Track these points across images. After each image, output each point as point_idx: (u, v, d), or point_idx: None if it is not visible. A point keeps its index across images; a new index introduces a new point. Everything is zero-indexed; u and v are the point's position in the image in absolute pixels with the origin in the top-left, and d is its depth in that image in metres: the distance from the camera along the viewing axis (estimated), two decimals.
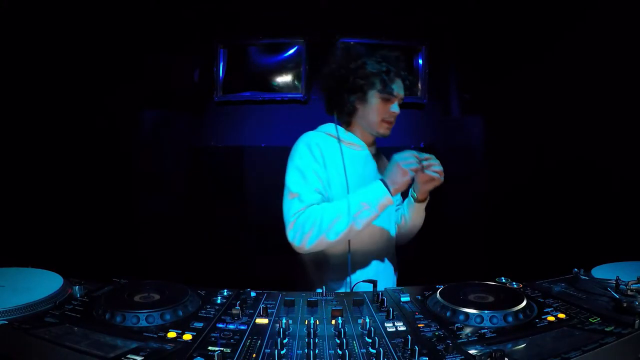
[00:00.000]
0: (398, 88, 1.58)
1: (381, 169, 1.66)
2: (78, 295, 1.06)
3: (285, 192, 1.50)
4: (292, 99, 2.91)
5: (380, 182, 1.41)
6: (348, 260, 1.50)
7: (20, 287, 1.05)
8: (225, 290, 1.17)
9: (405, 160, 1.39)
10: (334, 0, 2.75)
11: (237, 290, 1.18)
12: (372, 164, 1.67)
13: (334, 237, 1.39)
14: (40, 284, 1.08)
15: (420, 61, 2.90)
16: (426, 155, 1.43)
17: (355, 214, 1.38)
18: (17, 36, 2.16)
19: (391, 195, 1.39)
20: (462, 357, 0.81)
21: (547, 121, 2.42)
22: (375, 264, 1.59)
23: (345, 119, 1.65)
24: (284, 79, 2.91)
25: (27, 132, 2.26)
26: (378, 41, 2.87)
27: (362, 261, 1.56)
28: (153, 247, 2.66)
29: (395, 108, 1.58)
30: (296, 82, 2.89)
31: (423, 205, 1.64)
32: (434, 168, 1.42)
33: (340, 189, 1.52)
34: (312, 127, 3.01)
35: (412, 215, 1.67)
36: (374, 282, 1.22)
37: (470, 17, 2.71)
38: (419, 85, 2.90)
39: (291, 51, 2.89)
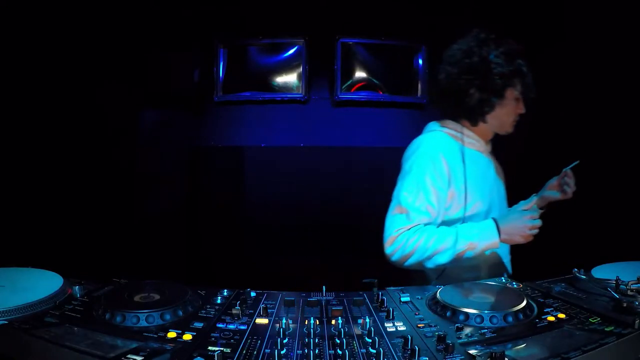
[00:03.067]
0: (532, 86, 1.49)
1: (497, 168, 1.65)
2: (78, 295, 1.06)
3: (393, 203, 1.44)
4: (292, 99, 2.90)
5: (493, 224, 1.35)
6: (442, 270, 1.47)
7: (20, 287, 1.05)
8: (225, 290, 1.17)
9: (531, 231, 1.33)
10: (334, 0, 2.75)
11: (237, 290, 1.18)
12: (491, 166, 1.62)
13: (432, 265, 1.37)
14: (40, 284, 1.08)
15: (420, 61, 2.89)
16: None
17: (459, 252, 1.35)
18: (16, 36, 2.16)
19: (498, 243, 1.35)
20: (462, 357, 0.81)
21: (547, 121, 2.42)
22: (479, 270, 1.52)
23: (474, 117, 1.51)
24: (284, 79, 2.91)
25: (27, 132, 2.26)
26: (378, 41, 2.87)
27: (468, 267, 1.49)
28: (153, 247, 2.66)
29: (523, 108, 1.51)
30: (296, 82, 2.89)
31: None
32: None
33: (461, 197, 1.46)
34: (312, 127, 2.99)
35: None
36: (373, 282, 1.22)
37: (470, 17, 2.71)
38: (419, 85, 2.90)
39: (291, 51, 2.88)
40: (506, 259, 1.63)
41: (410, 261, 1.37)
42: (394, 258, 1.39)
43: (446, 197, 1.44)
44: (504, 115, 1.51)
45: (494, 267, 1.55)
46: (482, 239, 1.35)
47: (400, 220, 1.40)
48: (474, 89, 1.45)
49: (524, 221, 1.34)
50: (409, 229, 1.38)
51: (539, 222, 1.35)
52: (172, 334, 0.89)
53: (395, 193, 1.46)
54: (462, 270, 1.50)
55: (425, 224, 1.40)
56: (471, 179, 1.48)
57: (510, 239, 1.36)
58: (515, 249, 1.69)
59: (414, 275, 1.72)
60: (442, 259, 1.36)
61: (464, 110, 1.51)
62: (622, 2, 1.94)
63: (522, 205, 1.38)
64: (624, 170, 2.00)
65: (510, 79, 1.44)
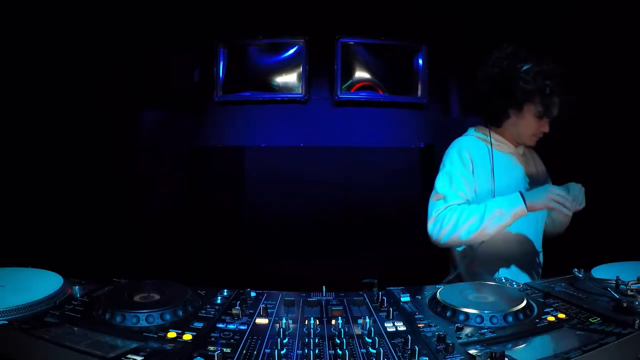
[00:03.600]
0: (554, 108, 1.56)
1: (530, 169, 1.73)
2: (78, 295, 1.06)
3: (433, 193, 1.61)
4: (292, 99, 2.90)
5: (518, 194, 1.46)
6: (472, 255, 1.59)
7: (20, 287, 1.05)
8: (225, 290, 1.17)
9: (554, 196, 1.42)
10: (334, 0, 2.75)
11: (237, 290, 1.18)
12: (519, 166, 1.71)
13: (466, 236, 1.48)
14: (40, 284, 1.08)
15: (420, 61, 2.89)
16: (575, 199, 1.47)
17: (489, 218, 1.45)
18: (16, 36, 2.16)
19: (526, 209, 1.43)
20: (462, 357, 0.81)
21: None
22: (506, 263, 1.64)
23: (496, 123, 1.67)
24: (284, 79, 2.90)
25: (27, 132, 2.26)
26: (378, 41, 2.87)
27: (492, 262, 1.62)
28: (153, 247, 2.66)
29: (547, 128, 1.59)
30: (296, 82, 2.89)
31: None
32: (577, 208, 1.49)
33: (488, 192, 1.58)
34: (312, 127, 3.01)
35: (561, 218, 1.71)
36: (373, 282, 1.22)
37: (470, 17, 2.71)
38: (419, 85, 2.90)
39: (291, 51, 2.88)
40: (534, 260, 1.70)
41: (447, 236, 1.50)
42: (435, 236, 1.53)
43: (475, 183, 1.60)
44: (521, 127, 1.62)
45: (520, 264, 1.64)
46: (509, 204, 1.45)
47: (438, 204, 1.57)
48: (494, 96, 1.59)
49: (547, 188, 1.46)
50: (445, 208, 1.53)
51: (563, 199, 1.42)
52: (172, 334, 0.89)
53: (435, 183, 1.63)
54: (489, 262, 1.61)
55: (459, 204, 1.54)
56: (499, 176, 1.60)
57: (534, 203, 1.44)
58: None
59: (414, 276, 1.73)
60: (473, 228, 1.47)
61: (486, 114, 1.67)
62: (622, 2, 1.94)
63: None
64: (624, 170, 2.00)
65: (530, 96, 1.53)
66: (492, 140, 1.66)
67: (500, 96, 1.58)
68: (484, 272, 1.61)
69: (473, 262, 1.63)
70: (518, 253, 1.64)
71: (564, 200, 1.42)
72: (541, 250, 1.75)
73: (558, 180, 1.62)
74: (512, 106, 1.58)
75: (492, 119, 1.66)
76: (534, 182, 1.73)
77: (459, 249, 1.70)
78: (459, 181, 1.58)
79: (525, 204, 1.44)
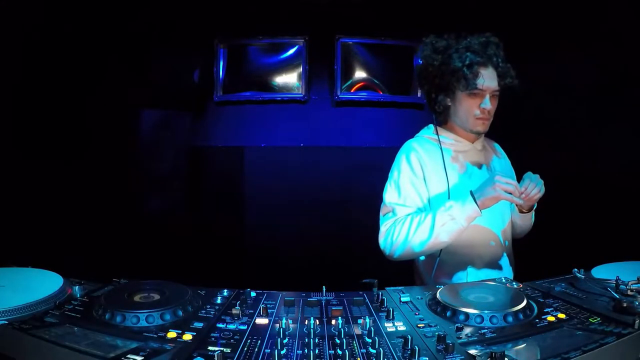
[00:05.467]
0: (487, 80, 1.44)
1: (491, 163, 1.63)
2: (78, 295, 1.06)
3: (382, 205, 1.56)
4: (292, 99, 2.91)
5: (470, 195, 1.37)
6: (435, 263, 1.49)
7: (20, 287, 1.05)
8: (225, 290, 1.16)
9: (502, 185, 1.31)
10: (334, 0, 2.75)
11: (237, 290, 1.18)
12: (478, 163, 1.60)
13: (419, 248, 1.40)
14: (40, 284, 1.07)
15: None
16: (527, 184, 1.36)
17: (440, 225, 1.37)
18: (16, 36, 2.16)
19: (479, 209, 1.35)
20: (462, 357, 0.81)
21: (547, 120, 2.42)
22: (473, 266, 1.53)
23: (441, 118, 1.60)
24: (284, 79, 2.91)
25: (27, 132, 2.26)
26: (378, 41, 2.87)
27: (459, 267, 1.52)
28: (153, 247, 2.66)
29: (486, 104, 1.46)
30: (296, 82, 2.89)
31: (529, 215, 1.58)
32: (531, 196, 1.36)
33: (444, 195, 1.49)
34: (312, 127, 3.00)
35: (518, 221, 1.62)
36: (373, 282, 1.22)
37: (470, 16, 2.71)
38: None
39: (291, 51, 2.88)
40: (504, 259, 1.61)
41: (401, 249, 1.43)
42: (388, 251, 1.48)
43: (427, 190, 1.52)
44: (460, 112, 1.53)
45: (489, 265, 1.55)
46: (459, 207, 1.37)
47: (385, 217, 1.52)
48: (428, 92, 1.57)
49: (492, 179, 1.33)
50: (394, 221, 1.48)
51: (510, 186, 1.32)
52: (172, 334, 0.89)
53: (383, 193, 1.58)
54: (455, 267, 1.52)
55: (408, 214, 1.48)
56: (456, 176, 1.53)
57: (484, 199, 1.34)
58: (515, 249, 1.69)
59: (414, 275, 1.72)
60: (426, 237, 1.38)
61: (433, 112, 1.61)
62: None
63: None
64: (624, 170, 2.00)
65: (448, 76, 1.46)
66: (445, 138, 1.57)
67: (432, 87, 1.53)
68: (453, 279, 1.52)
69: (439, 271, 1.51)
70: (486, 254, 1.54)
71: (514, 188, 1.30)
72: (511, 247, 1.65)
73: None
74: (443, 92, 1.51)
75: (439, 115, 1.58)
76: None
77: (421, 259, 1.59)
78: (408, 190, 1.50)
79: (476, 202, 1.34)
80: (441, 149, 1.55)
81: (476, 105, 1.48)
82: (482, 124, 1.51)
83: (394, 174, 1.57)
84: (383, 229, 1.50)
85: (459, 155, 1.58)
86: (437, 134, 1.58)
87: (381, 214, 1.55)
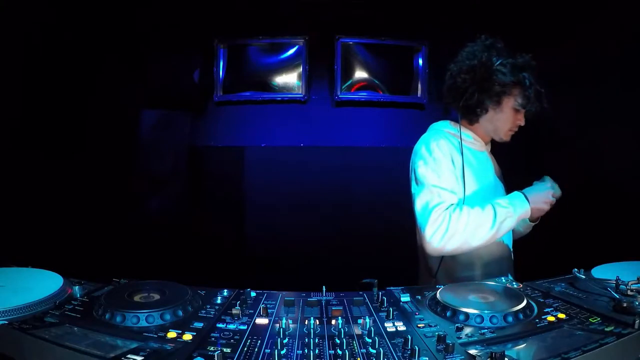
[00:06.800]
0: (534, 100, 1.49)
1: (495, 167, 1.68)
2: (78, 295, 1.06)
3: (419, 190, 1.44)
4: (292, 99, 2.91)
5: (520, 193, 1.41)
6: (439, 262, 1.51)
7: (20, 287, 1.05)
8: (225, 290, 1.17)
9: (552, 199, 1.43)
10: (334, 0, 2.75)
11: (237, 290, 1.18)
12: (489, 164, 1.65)
13: (478, 242, 1.36)
14: (40, 284, 1.08)
15: (420, 61, 2.89)
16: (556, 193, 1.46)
17: (501, 221, 1.36)
18: (17, 36, 2.16)
19: (530, 211, 1.40)
20: (462, 357, 0.81)
21: (546, 120, 2.42)
22: (476, 266, 1.55)
23: (470, 117, 1.56)
24: (284, 79, 2.91)
25: (27, 132, 2.26)
26: (378, 41, 2.87)
27: (470, 267, 1.53)
28: (153, 247, 2.66)
29: (523, 121, 1.54)
30: (296, 82, 2.89)
31: (532, 224, 1.64)
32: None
33: (460, 186, 1.48)
34: (312, 127, 2.99)
35: (522, 229, 1.68)
36: (373, 282, 1.22)
37: (471, 17, 2.71)
38: (419, 85, 2.90)
39: (291, 51, 2.88)
40: (506, 261, 1.63)
41: (455, 242, 1.34)
42: (437, 243, 1.34)
43: (456, 175, 1.48)
44: (499, 122, 1.55)
45: (491, 265, 1.56)
46: (516, 206, 1.38)
47: (432, 201, 1.39)
48: (472, 89, 1.50)
49: (547, 187, 1.43)
50: (445, 207, 1.37)
51: (559, 191, 1.44)
52: (172, 334, 0.89)
53: (416, 188, 1.47)
54: (458, 267, 1.52)
55: (457, 204, 1.40)
56: (468, 174, 1.52)
57: (537, 206, 1.41)
58: (515, 249, 1.69)
59: (418, 274, 1.73)
60: (487, 231, 1.35)
61: (462, 108, 1.55)
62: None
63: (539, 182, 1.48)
64: (624, 170, 2.00)
65: (510, 88, 1.48)
66: (465, 136, 1.57)
67: (480, 90, 1.48)
68: (456, 279, 1.52)
69: (442, 270, 1.53)
70: (496, 256, 1.56)
71: (554, 201, 1.41)
72: (511, 249, 1.69)
73: (558, 180, 1.61)
74: (492, 100, 1.49)
75: (470, 114, 1.55)
76: (500, 182, 1.69)
77: (431, 257, 1.56)
78: (449, 177, 1.44)
79: (528, 202, 1.39)
80: (461, 145, 1.54)
81: (516, 121, 1.54)
82: (511, 135, 1.59)
83: (427, 160, 1.47)
84: (434, 216, 1.35)
85: (474, 155, 1.60)
86: (459, 130, 1.56)
87: (421, 200, 1.41)
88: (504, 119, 1.53)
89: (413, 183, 1.50)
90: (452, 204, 1.38)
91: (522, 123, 1.55)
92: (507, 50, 1.50)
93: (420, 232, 1.39)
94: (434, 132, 1.59)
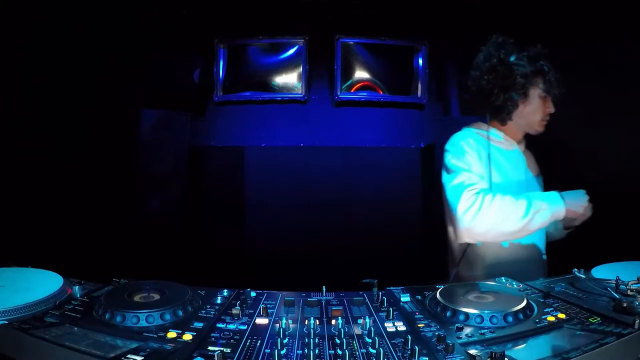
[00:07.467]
0: (556, 84, 1.55)
1: (530, 165, 1.70)
2: (78, 295, 1.06)
3: (452, 177, 1.49)
4: (292, 99, 2.91)
5: (557, 193, 1.44)
6: (463, 251, 1.55)
7: (20, 287, 1.05)
8: (225, 290, 1.16)
9: (587, 211, 1.47)
10: (334, 0, 2.75)
11: (237, 290, 1.18)
12: (521, 163, 1.67)
13: (508, 228, 1.39)
14: (40, 284, 1.07)
15: (420, 61, 2.89)
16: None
17: (535, 212, 1.38)
18: (17, 37, 2.16)
19: (564, 212, 1.42)
20: (462, 357, 0.81)
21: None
22: (508, 272, 1.53)
23: (502, 117, 1.60)
24: (284, 79, 2.91)
25: (28, 132, 2.26)
26: (378, 41, 2.88)
27: (496, 266, 1.55)
28: (153, 247, 2.66)
29: (551, 108, 1.58)
30: (296, 82, 2.89)
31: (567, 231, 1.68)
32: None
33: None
34: (312, 127, 2.98)
35: (555, 232, 1.72)
36: (373, 282, 1.22)
37: (471, 16, 2.71)
38: (419, 85, 2.90)
39: (291, 51, 2.89)
40: (534, 262, 1.65)
41: (485, 224, 1.38)
42: (467, 222, 1.38)
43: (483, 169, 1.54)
44: (530, 114, 1.59)
45: (528, 263, 1.60)
46: (551, 202, 1.41)
47: (465, 182, 1.45)
48: (497, 89, 1.54)
49: (583, 194, 1.46)
50: (478, 190, 1.42)
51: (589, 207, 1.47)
52: (172, 334, 0.89)
53: (447, 177, 1.52)
54: (495, 261, 1.56)
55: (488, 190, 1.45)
56: (497, 171, 1.57)
57: (572, 209, 1.43)
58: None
59: (414, 276, 1.72)
60: (520, 218, 1.37)
61: (491, 110, 1.60)
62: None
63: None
64: (624, 170, 2.00)
65: (532, 78, 1.53)
66: (495, 137, 1.62)
67: (505, 87, 1.53)
68: (486, 275, 1.54)
69: (474, 265, 1.58)
70: (523, 257, 1.58)
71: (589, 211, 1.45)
72: (545, 255, 1.70)
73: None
74: (518, 93, 1.53)
75: (500, 113, 1.59)
76: (535, 180, 1.71)
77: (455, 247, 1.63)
78: (478, 167, 1.51)
79: (564, 203, 1.41)
80: (489, 145, 1.58)
81: (545, 109, 1.58)
82: (544, 125, 1.62)
83: (458, 152, 1.54)
84: (466, 196, 1.40)
85: (504, 154, 1.63)
86: (487, 130, 1.62)
87: (455, 182, 1.47)
88: (534, 109, 1.58)
89: (444, 173, 1.56)
90: (483, 189, 1.44)
91: (552, 110, 1.58)
92: (518, 45, 1.55)
93: (451, 213, 1.45)
94: (464, 131, 1.66)
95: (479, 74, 1.57)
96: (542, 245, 1.68)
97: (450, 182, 1.49)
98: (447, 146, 1.61)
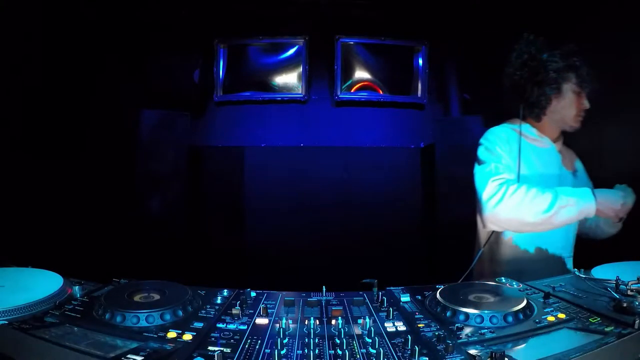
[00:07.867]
0: (589, 79, 1.56)
1: (566, 163, 1.69)
2: (78, 295, 1.05)
3: (481, 168, 1.54)
4: (292, 99, 2.91)
5: (589, 190, 1.42)
6: (477, 255, 1.56)
7: (20, 287, 1.05)
8: (225, 290, 1.16)
9: (626, 202, 1.42)
10: (334, 0, 2.75)
11: (237, 290, 1.18)
12: (555, 160, 1.66)
13: (531, 218, 1.39)
14: (40, 284, 1.07)
15: (420, 61, 2.90)
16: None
17: (561, 206, 1.38)
18: (17, 37, 2.16)
19: (595, 209, 1.39)
20: (462, 357, 0.81)
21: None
22: (528, 270, 1.54)
23: (536, 113, 1.61)
24: (284, 79, 2.91)
25: (28, 132, 2.26)
26: (378, 41, 2.88)
27: (517, 263, 1.57)
28: (153, 247, 2.66)
29: (586, 103, 1.57)
30: (296, 82, 2.89)
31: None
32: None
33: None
34: (312, 127, 2.99)
35: (605, 227, 1.68)
36: (373, 282, 1.22)
37: (471, 17, 2.71)
38: (419, 85, 2.90)
39: (291, 51, 2.89)
40: (563, 254, 1.64)
41: (508, 212, 1.41)
42: (490, 208, 1.43)
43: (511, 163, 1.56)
44: (564, 109, 1.59)
45: (548, 263, 1.59)
46: (581, 198, 1.40)
47: (492, 172, 1.49)
48: (530, 84, 1.55)
49: (618, 195, 1.42)
50: (504, 180, 1.45)
51: (630, 202, 1.43)
52: (172, 334, 0.89)
53: (477, 167, 1.56)
54: (516, 258, 1.58)
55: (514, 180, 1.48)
56: (527, 167, 1.57)
57: (604, 209, 1.41)
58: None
59: (414, 276, 1.73)
60: (543, 208, 1.38)
61: (527, 105, 1.60)
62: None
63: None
64: (625, 170, 2.00)
65: (564, 73, 1.54)
66: (528, 133, 1.62)
67: (538, 82, 1.54)
68: (507, 271, 1.51)
69: (495, 260, 1.61)
70: (544, 256, 1.58)
71: (623, 211, 1.42)
72: (571, 256, 1.68)
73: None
74: (551, 88, 1.54)
75: (535, 109, 1.59)
76: (571, 177, 1.70)
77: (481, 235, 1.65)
78: (508, 160, 1.53)
79: (595, 201, 1.39)
80: (520, 140, 1.58)
81: (580, 104, 1.57)
82: (580, 121, 1.60)
83: (489, 145, 1.57)
84: (492, 184, 1.45)
85: (538, 152, 1.63)
86: (520, 126, 1.61)
87: (483, 172, 1.52)
88: (568, 104, 1.58)
89: (475, 165, 1.59)
90: (509, 179, 1.46)
91: (587, 105, 1.57)
92: (549, 43, 1.55)
93: (478, 200, 1.50)
94: (499, 126, 1.67)
95: (511, 70, 1.58)
96: (564, 244, 1.65)
97: (479, 172, 1.54)
98: (482, 139, 1.64)
